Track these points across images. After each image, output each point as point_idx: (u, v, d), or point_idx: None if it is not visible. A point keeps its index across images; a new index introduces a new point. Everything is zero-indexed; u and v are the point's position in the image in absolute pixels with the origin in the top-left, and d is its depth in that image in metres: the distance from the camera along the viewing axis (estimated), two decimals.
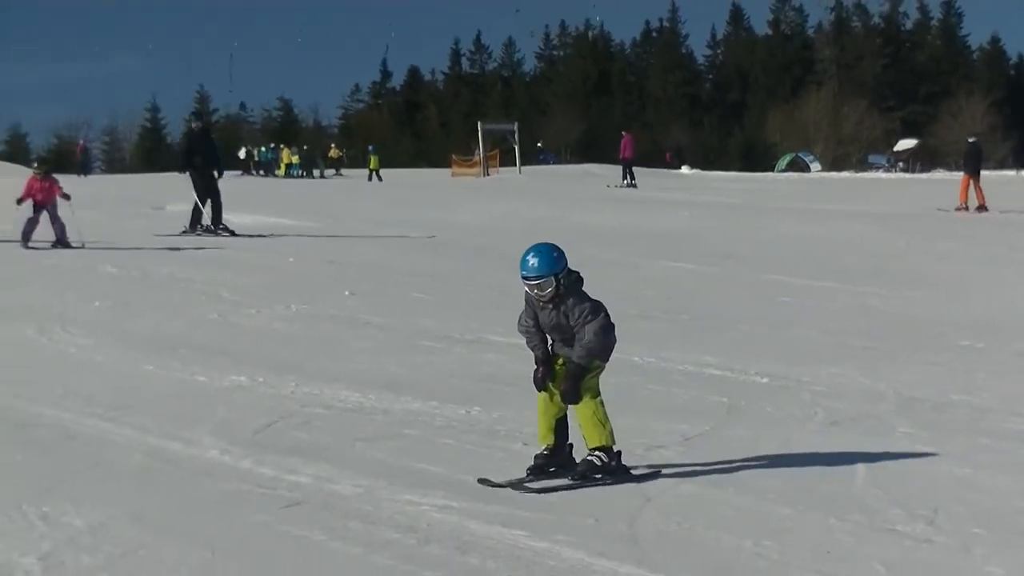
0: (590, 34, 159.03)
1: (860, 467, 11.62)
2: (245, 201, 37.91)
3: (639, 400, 14.36)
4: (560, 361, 11.11)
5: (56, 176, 30.29)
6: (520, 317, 11.19)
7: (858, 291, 24.39)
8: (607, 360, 11.13)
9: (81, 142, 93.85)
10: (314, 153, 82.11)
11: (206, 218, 30.97)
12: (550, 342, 11.20)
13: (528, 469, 11.10)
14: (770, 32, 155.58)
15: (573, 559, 9.12)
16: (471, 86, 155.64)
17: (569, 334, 10.90)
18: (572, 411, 11.05)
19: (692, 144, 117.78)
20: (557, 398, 11.00)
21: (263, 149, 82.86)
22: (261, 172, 74.60)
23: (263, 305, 20.68)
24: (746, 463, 11.88)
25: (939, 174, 75.94)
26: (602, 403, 11.02)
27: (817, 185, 59.74)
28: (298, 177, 70.43)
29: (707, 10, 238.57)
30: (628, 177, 60.20)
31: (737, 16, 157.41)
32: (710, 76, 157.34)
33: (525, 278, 10.72)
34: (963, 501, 10.58)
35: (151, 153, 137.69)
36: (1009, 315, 22.07)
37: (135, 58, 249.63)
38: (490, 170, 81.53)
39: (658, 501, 10.58)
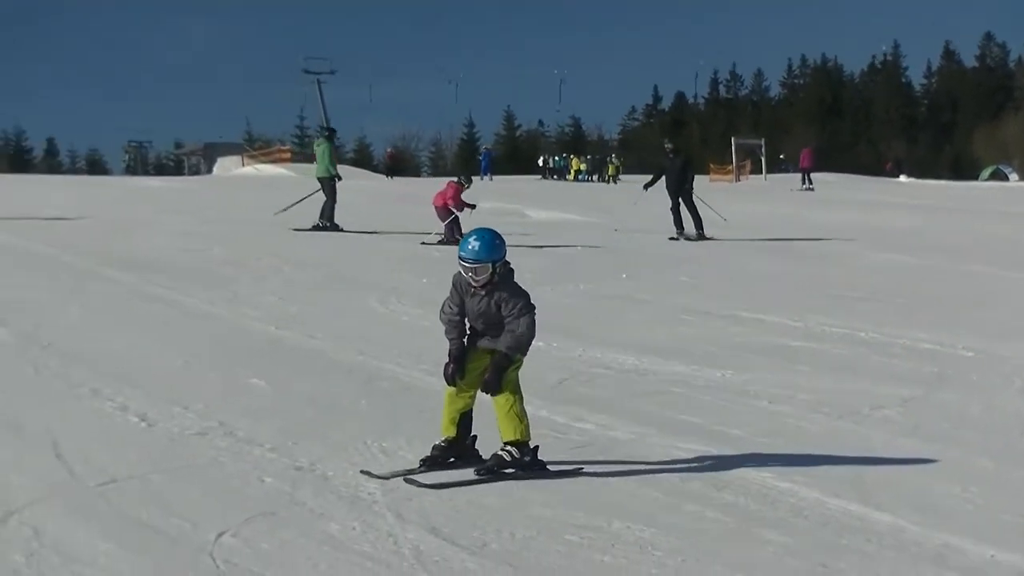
0: (827, 65, 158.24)
1: None
2: (543, 200, 38.00)
3: (864, 368, 14.19)
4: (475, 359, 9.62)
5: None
6: (444, 304, 9.67)
7: None
8: (525, 355, 9.69)
9: (389, 150, 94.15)
10: (598, 161, 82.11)
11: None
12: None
13: (422, 460, 9.59)
14: (977, 65, 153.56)
15: (810, 498, 9.04)
16: (726, 108, 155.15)
17: (494, 323, 9.47)
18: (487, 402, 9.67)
19: (909, 157, 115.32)
20: (465, 392, 9.61)
21: (556, 158, 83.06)
22: (555, 176, 74.76)
23: (556, 284, 20.75)
24: (954, 423, 11.66)
25: None
26: (521, 399, 9.58)
27: (1014, 192, 58.41)
28: (585, 181, 70.44)
29: (924, 45, 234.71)
30: (807, 182, 60.12)
31: (949, 51, 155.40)
32: (925, 101, 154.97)
33: (463, 260, 9.31)
34: None
35: (467, 162, 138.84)
36: None
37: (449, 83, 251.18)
38: (741, 177, 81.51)
39: (881, 452, 10.44)
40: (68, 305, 17.31)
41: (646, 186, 30.92)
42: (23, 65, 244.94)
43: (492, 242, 9.44)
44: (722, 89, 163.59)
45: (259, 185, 49.84)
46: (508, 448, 9.43)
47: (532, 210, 31.39)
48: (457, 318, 9.61)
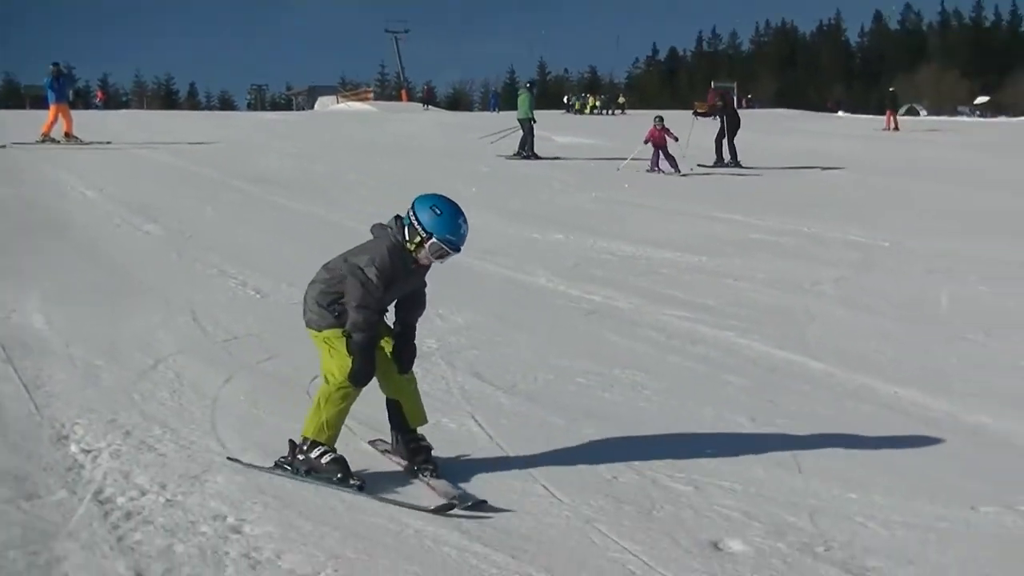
0: (785, 27, 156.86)
1: None
2: (566, 128, 37.73)
3: (808, 255, 14.12)
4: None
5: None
6: (366, 299, 5.58)
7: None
8: None
9: (425, 86, 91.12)
10: (609, 100, 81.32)
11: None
12: None
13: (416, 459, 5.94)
14: (899, 27, 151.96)
15: (763, 351, 9.13)
16: (709, 59, 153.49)
17: (410, 300, 6.01)
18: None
19: (846, 98, 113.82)
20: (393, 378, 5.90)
21: (576, 97, 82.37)
22: (575, 111, 74.12)
23: (574, 192, 20.69)
24: (873, 296, 11.59)
25: (1003, 118, 72.72)
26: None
27: (924, 123, 57.81)
28: (599, 115, 69.85)
29: (860, 12, 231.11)
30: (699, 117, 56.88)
31: (879, 17, 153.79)
32: (859, 55, 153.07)
33: (453, 247, 5.68)
34: None
35: (509, 100, 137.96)
36: None
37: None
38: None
39: (818, 318, 10.43)
40: (204, 207, 17.33)
41: (710, 114, 29.56)
42: (168, 15, 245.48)
43: None
44: (705, 45, 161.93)
45: (349, 118, 49.75)
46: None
47: (558, 136, 31.13)
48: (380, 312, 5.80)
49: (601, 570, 4.85)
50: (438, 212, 5.68)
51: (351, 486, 5.59)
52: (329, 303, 5.73)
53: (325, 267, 5.88)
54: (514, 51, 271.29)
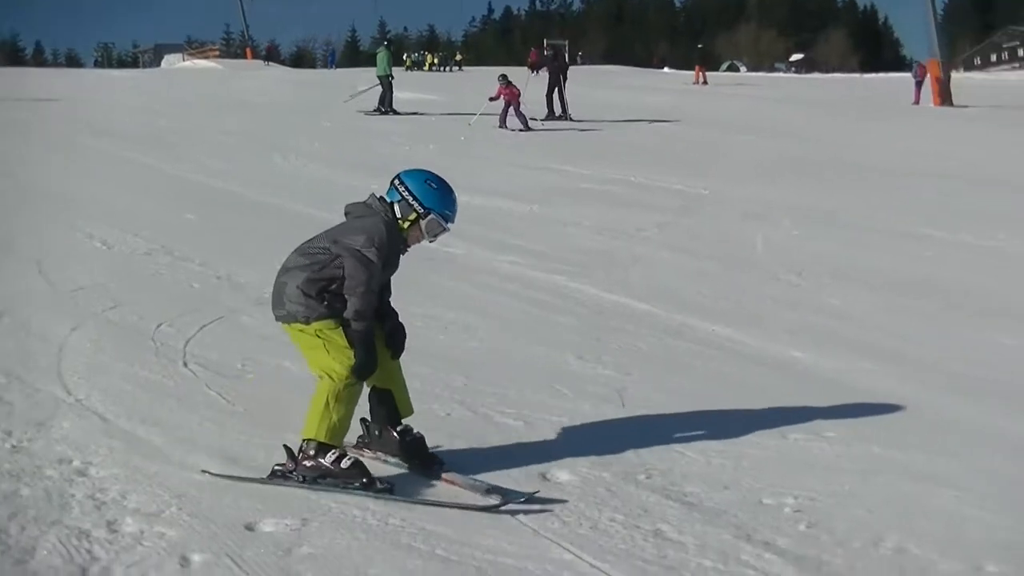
0: None
1: None
2: (407, 84, 37.39)
3: (633, 203, 14.27)
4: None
5: None
6: (374, 277, 4.87)
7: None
8: None
9: (268, 44, 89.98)
10: (447, 57, 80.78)
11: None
12: None
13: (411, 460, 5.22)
14: None
15: (591, 293, 9.21)
16: (542, 18, 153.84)
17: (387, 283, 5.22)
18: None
19: (671, 55, 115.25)
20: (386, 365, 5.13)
21: (415, 55, 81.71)
22: (414, 68, 73.55)
23: (415, 144, 20.58)
24: (693, 240, 11.82)
25: (817, 74, 74.55)
26: None
27: (742, 78, 58.80)
28: (437, 71, 69.36)
29: None
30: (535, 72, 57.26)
31: None
32: (683, 13, 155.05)
33: (450, 220, 5.14)
34: None
35: (352, 58, 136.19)
36: None
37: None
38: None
39: (643, 260, 10.52)
40: (50, 160, 16.76)
41: (534, 69, 29.58)
42: None
43: None
44: (538, 4, 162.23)
45: (194, 75, 48.52)
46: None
47: (398, 91, 30.74)
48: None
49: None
50: (433, 186, 5.10)
51: (379, 490, 4.85)
52: (318, 291, 4.90)
53: (301, 252, 5.01)
54: (357, 11, 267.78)
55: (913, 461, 5.47)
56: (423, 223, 5.04)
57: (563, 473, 5.17)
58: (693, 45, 72.48)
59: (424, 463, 5.15)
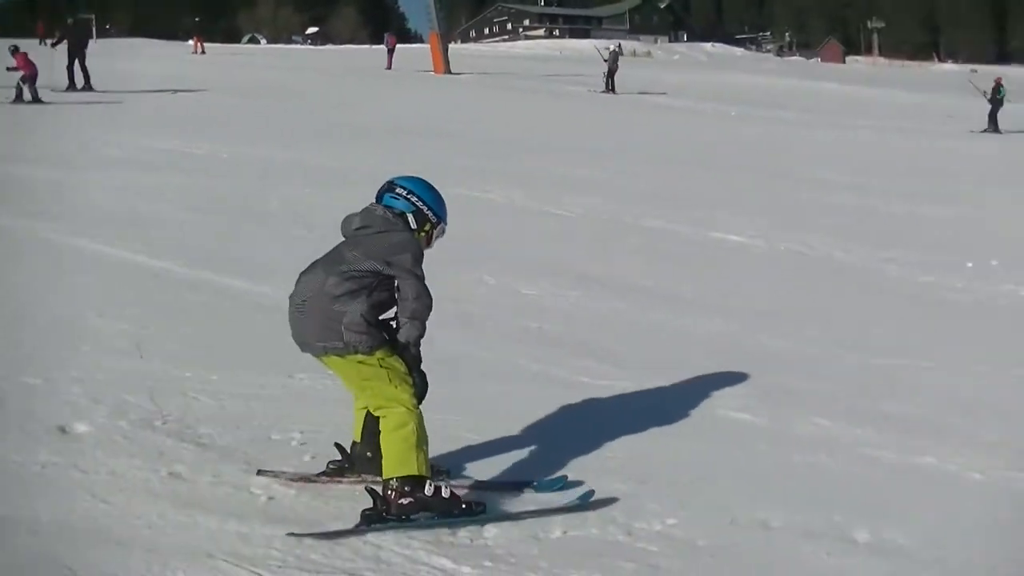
0: None
1: None
2: None
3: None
4: None
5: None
6: (430, 298, 4.25)
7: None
8: None
9: None
10: None
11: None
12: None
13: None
14: None
15: (109, 252, 8.88)
16: None
17: None
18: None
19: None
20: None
21: None
22: None
23: None
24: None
25: (329, 46, 75.14)
26: None
27: (261, 49, 58.10)
28: None
29: None
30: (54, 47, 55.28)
31: None
32: None
33: (446, 223, 4.52)
34: None
35: None
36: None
37: None
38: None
39: None
40: None
41: (53, 45, 27.20)
42: None
43: None
44: None
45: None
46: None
47: None
48: None
49: None
50: (437, 194, 4.45)
51: (476, 512, 4.25)
52: (376, 318, 4.24)
53: (343, 276, 4.22)
54: None
55: None
56: (434, 233, 4.45)
57: (82, 425, 5.04)
58: (218, 18, 70.71)
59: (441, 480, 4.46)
